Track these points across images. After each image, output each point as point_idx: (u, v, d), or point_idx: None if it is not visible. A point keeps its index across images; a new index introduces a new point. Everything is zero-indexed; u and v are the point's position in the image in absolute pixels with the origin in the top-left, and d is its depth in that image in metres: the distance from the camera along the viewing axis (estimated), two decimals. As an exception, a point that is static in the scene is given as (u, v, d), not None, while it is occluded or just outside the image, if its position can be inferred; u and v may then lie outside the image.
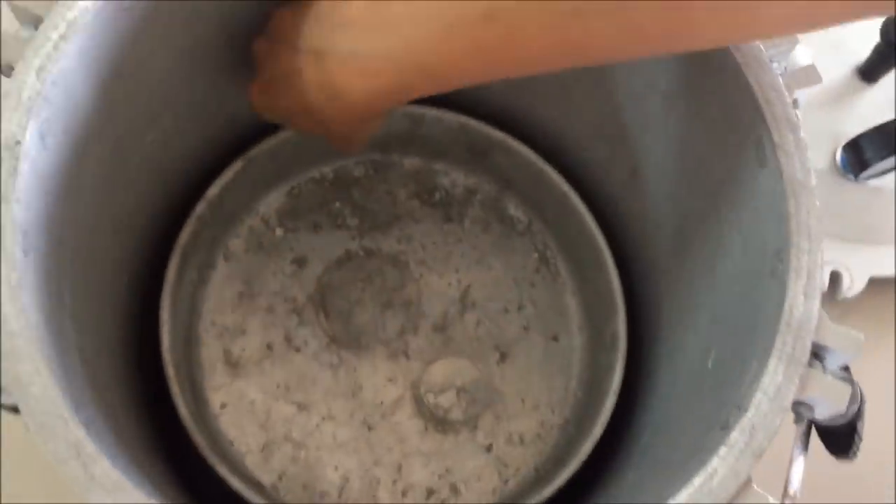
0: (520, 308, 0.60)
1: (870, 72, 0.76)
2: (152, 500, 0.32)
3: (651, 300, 0.55)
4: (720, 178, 0.45)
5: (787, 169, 0.40)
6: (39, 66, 0.37)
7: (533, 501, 0.51)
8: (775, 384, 0.36)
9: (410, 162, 0.62)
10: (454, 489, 0.55)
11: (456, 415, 0.56)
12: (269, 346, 0.57)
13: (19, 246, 0.35)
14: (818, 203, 0.39)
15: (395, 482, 0.55)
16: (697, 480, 0.34)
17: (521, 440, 0.57)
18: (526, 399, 0.58)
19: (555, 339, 0.60)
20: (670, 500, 0.34)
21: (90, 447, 0.32)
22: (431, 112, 0.58)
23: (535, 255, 0.62)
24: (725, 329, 0.44)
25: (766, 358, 0.37)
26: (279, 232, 0.60)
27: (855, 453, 0.42)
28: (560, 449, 0.57)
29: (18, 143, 0.36)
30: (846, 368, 0.41)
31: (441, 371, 0.57)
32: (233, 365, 0.56)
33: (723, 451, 0.35)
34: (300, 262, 0.59)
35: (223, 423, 0.55)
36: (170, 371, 0.51)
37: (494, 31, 0.37)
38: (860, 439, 0.41)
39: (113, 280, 0.47)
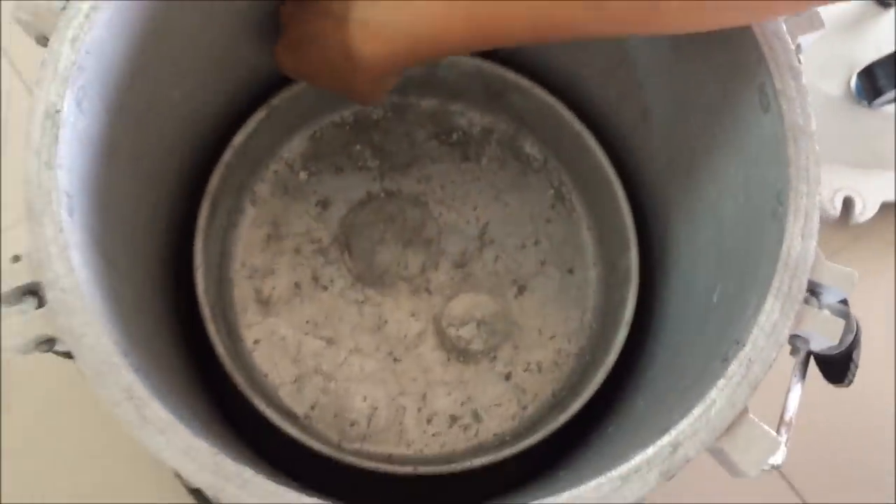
0: (536, 243, 0.62)
1: (887, -4, 0.76)
2: (201, 438, 0.35)
3: (663, 237, 0.57)
4: (725, 122, 0.46)
5: (789, 114, 0.41)
6: (73, 36, 0.39)
7: (551, 426, 0.54)
8: (772, 321, 0.39)
9: (428, 103, 0.64)
10: (476, 415, 0.59)
11: (476, 346, 0.59)
12: (298, 285, 0.60)
13: (65, 208, 0.38)
14: (818, 148, 0.41)
15: (420, 410, 0.58)
16: (697, 410, 0.37)
17: (539, 368, 0.60)
18: (543, 330, 0.61)
19: (570, 272, 0.62)
20: (672, 429, 0.37)
21: (141, 390, 0.36)
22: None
23: (551, 191, 0.64)
24: (730, 267, 0.46)
25: (764, 295, 0.39)
26: (303, 175, 0.62)
27: (851, 381, 0.44)
28: (576, 376, 0.60)
29: (58, 111, 0.38)
30: (844, 301, 0.43)
31: (461, 305, 0.60)
32: (264, 303, 0.59)
33: (721, 382, 0.38)
34: (324, 204, 0.62)
35: (257, 359, 0.58)
36: (206, 312, 0.54)
37: (488, 8, 0.40)
38: (856, 367, 0.44)
39: (151, 231, 0.50)
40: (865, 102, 0.74)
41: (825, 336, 0.39)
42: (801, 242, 0.40)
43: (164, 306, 0.51)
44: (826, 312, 0.40)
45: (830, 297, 0.41)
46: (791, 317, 0.39)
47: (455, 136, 0.64)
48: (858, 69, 0.74)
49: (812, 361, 0.45)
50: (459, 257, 0.62)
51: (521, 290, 0.61)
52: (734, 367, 0.38)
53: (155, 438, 0.35)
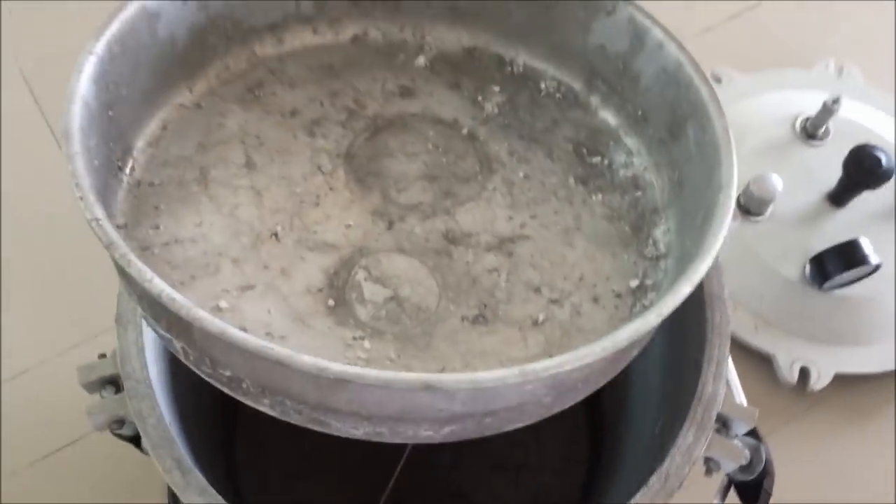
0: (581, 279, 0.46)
1: (838, 197, 0.89)
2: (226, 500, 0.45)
3: (625, 382, 0.67)
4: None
5: (707, 285, 0.52)
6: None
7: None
8: (687, 443, 0.49)
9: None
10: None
11: (363, 315, 0.44)
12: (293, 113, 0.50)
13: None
14: (730, 312, 0.52)
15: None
16: (624, 511, 0.47)
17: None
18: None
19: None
20: (603, 525, 0.46)
21: (187, 461, 0.46)
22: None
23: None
24: (669, 404, 0.56)
25: (683, 423, 0.49)
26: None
27: (763, 506, 0.53)
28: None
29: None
30: (755, 436, 0.53)
31: (393, 265, 0.45)
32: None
33: (643, 490, 0.47)
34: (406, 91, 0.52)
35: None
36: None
37: None
38: (768, 495, 0.53)
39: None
40: (817, 286, 0.85)
41: (731, 460, 0.49)
42: (713, 383, 0.50)
43: (210, 401, 0.61)
44: (735, 442, 0.50)
45: (738, 430, 0.50)
46: (703, 441, 0.49)
47: (596, 161, 0.50)
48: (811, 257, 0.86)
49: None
50: (461, 240, 0.47)
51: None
52: (654, 479, 0.48)
53: (195, 498, 0.45)
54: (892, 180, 0.85)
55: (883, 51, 1.06)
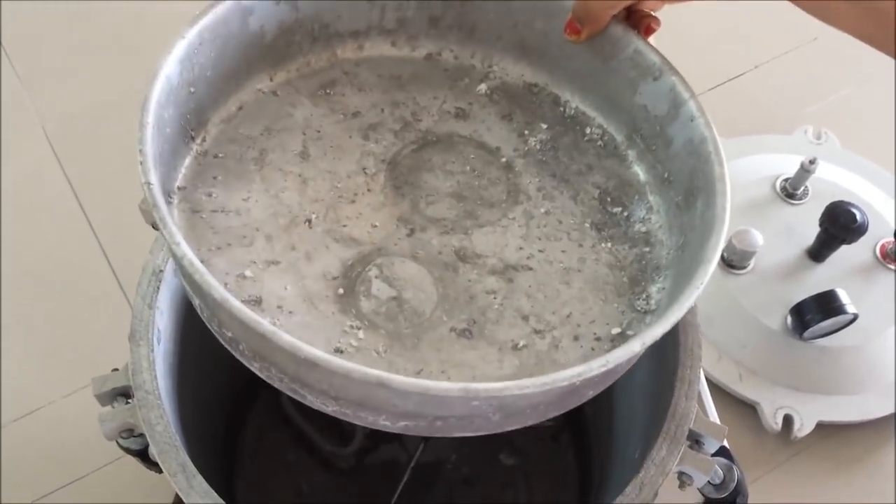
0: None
1: (817, 252, 0.93)
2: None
3: (609, 412, 0.70)
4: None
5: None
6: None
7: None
8: (661, 456, 0.52)
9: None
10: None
11: (366, 308, 0.48)
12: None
13: (155, 337, 0.54)
14: (701, 337, 0.55)
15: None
16: (599, 519, 0.50)
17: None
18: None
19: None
20: (581, 532, 0.49)
21: (191, 466, 0.49)
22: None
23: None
24: (648, 428, 0.59)
25: (656, 439, 0.52)
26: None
27: (736, 524, 0.56)
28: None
29: (161, 271, 0.55)
30: (729, 457, 0.56)
31: (404, 269, 0.49)
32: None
33: (619, 498, 0.50)
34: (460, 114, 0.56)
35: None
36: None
37: None
38: (740, 512, 0.56)
39: (219, 366, 0.65)
40: (798, 336, 0.89)
41: (703, 473, 0.52)
42: (685, 402, 0.53)
43: (217, 407, 0.64)
44: (704, 456, 0.53)
45: (710, 447, 0.54)
46: (675, 455, 0.52)
47: (617, 211, 0.53)
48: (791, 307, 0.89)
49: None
50: (477, 261, 0.50)
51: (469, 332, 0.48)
52: (630, 489, 0.51)
53: (198, 499, 0.48)
54: (869, 236, 0.90)
55: (859, 118, 1.12)
